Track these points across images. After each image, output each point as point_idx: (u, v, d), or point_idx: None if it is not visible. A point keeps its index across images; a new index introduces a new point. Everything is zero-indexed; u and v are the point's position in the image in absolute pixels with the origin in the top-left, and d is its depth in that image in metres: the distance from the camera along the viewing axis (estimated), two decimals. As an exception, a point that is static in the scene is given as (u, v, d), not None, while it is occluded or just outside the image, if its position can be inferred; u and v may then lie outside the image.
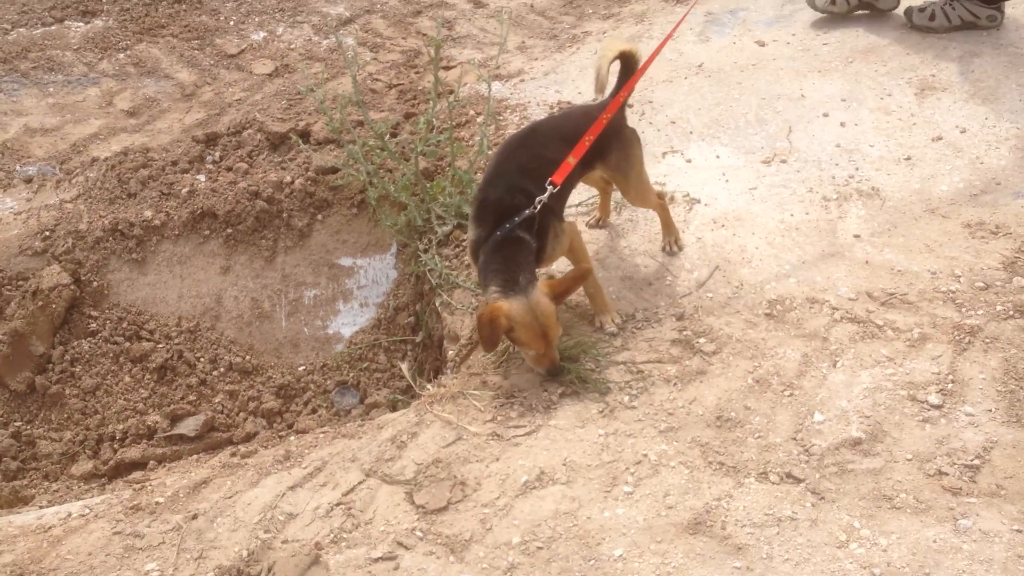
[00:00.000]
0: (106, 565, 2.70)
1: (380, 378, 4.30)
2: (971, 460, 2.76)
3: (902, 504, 2.65)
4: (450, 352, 3.55)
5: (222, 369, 4.28)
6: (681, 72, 4.92)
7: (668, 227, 3.71)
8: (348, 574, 2.60)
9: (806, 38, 5.06)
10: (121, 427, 4.09)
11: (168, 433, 4.06)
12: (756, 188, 4.01)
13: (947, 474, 2.72)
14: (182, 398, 4.19)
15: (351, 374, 4.32)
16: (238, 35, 5.89)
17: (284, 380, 4.29)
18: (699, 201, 3.96)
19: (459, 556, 2.62)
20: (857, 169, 4.06)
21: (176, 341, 4.30)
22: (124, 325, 4.30)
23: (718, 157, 4.23)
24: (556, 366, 3.11)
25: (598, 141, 3.22)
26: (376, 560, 2.63)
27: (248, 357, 4.34)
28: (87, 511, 3.00)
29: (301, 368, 4.38)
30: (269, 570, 2.60)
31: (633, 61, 3.38)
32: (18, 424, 4.10)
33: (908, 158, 4.10)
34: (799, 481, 2.74)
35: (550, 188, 3.06)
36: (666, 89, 4.82)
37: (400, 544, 2.67)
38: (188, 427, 4.07)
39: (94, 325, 4.29)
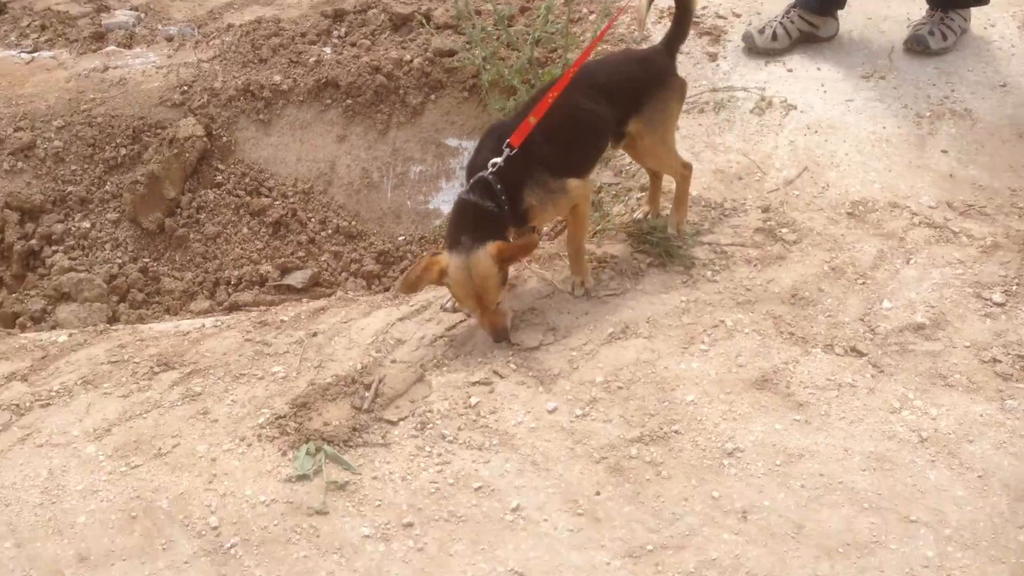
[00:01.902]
0: (239, 363, 3.09)
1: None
2: (1025, 353, 2.98)
3: (955, 383, 2.89)
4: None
5: (330, 231, 4.64)
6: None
7: (680, 204, 3.46)
8: (449, 392, 2.94)
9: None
10: (236, 273, 4.48)
11: (278, 283, 4.43)
12: (852, 100, 4.18)
13: (1000, 362, 2.95)
14: (292, 253, 4.56)
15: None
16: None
17: (384, 247, 4.63)
18: (795, 107, 4.14)
19: (547, 387, 2.94)
20: (953, 91, 4.20)
21: (291, 200, 4.66)
22: (246, 180, 4.67)
23: (819, 69, 4.39)
24: (497, 330, 3.01)
25: (638, 91, 3.16)
26: (474, 383, 2.97)
27: (354, 222, 4.68)
28: (219, 323, 3.40)
29: (401, 238, 4.71)
30: (380, 381, 2.96)
31: (687, 4, 3.27)
32: (146, 260, 4.52)
33: (1004, 85, 4.22)
34: (862, 355, 3.00)
35: (507, 150, 2.94)
36: (775, 2, 4.96)
37: (496, 373, 3.00)
38: (296, 279, 4.45)
39: (220, 177, 4.67)
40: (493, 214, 2.95)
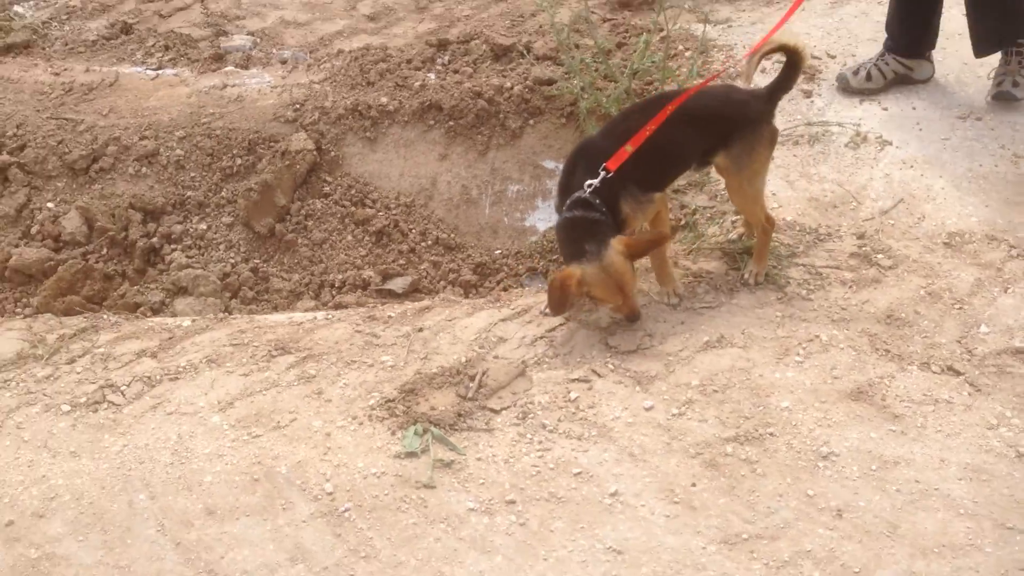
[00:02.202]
0: (351, 351, 3.27)
1: (566, 271, 4.76)
2: None
3: (1052, 406, 2.93)
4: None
5: (430, 242, 4.83)
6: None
7: (760, 256, 3.51)
8: (549, 387, 3.07)
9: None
10: (340, 276, 4.68)
11: (380, 287, 4.62)
12: (949, 139, 4.25)
13: (1101, 385, 2.98)
14: (393, 260, 4.75)
15: (541, 263, 4.80)
16: (469, -39, 6.42)
17: (481, 259, 4.80)
18: (891, 143, 4.23)
19: (644, 387, 3.06)
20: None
21: (394, 212, 4.87)
22: (352, 192, 4.90)
23: (914, 108, 4.47)
24: (635, 313, 3.23)
25: (727, 127, 3.28)
26: (573, 380, 3.10)
27: (453, 235, 4.87)
28: (330, 316, 3.58)
29: (497, 252, 4.88)
30: (484, 373, 3.10)
31: (797, 56, 3.28)
32: (257, 261, 4.75)
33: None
34: (959, 374, 3.05)
35: (603, 173, 3.13)
36: (869, 46, 5.07)
37: (594, 372, 3.13)
38: (397, 284, 4.63)
39: (327, 188, 4.90)
40: (603, 223, 3.13)
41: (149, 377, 3.15)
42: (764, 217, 3.45)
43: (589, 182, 3.13)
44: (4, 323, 3.54)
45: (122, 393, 3.08)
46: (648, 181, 3.27)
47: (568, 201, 3.17)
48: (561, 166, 4.88)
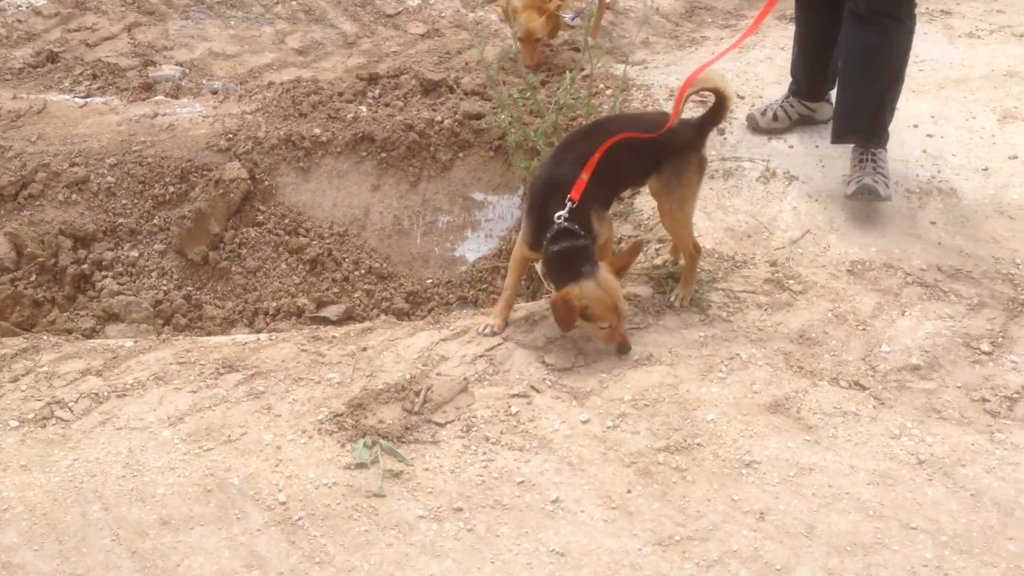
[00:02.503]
0: (298, 369, 3.38)
1: (495, 299, 4.94)
2: (1011, 394, 3.32)
3: (948, 416, 3.22)
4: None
5: (363, 271, 4.96)
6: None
7: (687, 281, 3.74)
8: (490, 402, 3.24)
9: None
10: (275, 304, 4.78)
11: (314, 315, 4.73)
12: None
13: (989, 401, 3.29)
14: (327, 288, 4.87)
15: (471, 292, 4.98)
16: (396, -1, 6.64)
17: (413, 288, 4.96)
18: (797, 178, 4.55)
19: (580, 402, 3.25)
20: (939, 171, 4.63)
21: (327, 241, 4.99)
22: (286, 221, 5.01)
23: (817, 146, 4.81)
24: (626, 344, 3.42)
25: (656, 153, 3.49)
26: (513, 396, 3.27)
27: (385, 264, 5.02)
28: (274, 337, 3.68)
29: (428, 281, 5.04)
30: (428, 389, 3.25)
31: (723, 97, 3.48)
32: (190, 288, 4.81)
33: (985, 169, 4.66)
34: (864, 389, 3.33)
35: (569, 204, 3.33)
36: (774, 88, 5.44)
37: (533, 388, 3.30)
38: (331, 312, 4.75)
39: (261, 217, 5.00)
40: (589, 247, 3.35)
41: (96, 394, 3.20)
42: (692, 244, 3.66)
43: (559, 213, 3.32)
44: (-60, 344, 3.53)
45: (70, 409, 3.12)
46: (603, 199, 3.53)
47: (549, 235, 3.33)
48: (489, 198, 5.13)
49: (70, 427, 3.06)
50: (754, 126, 4.88)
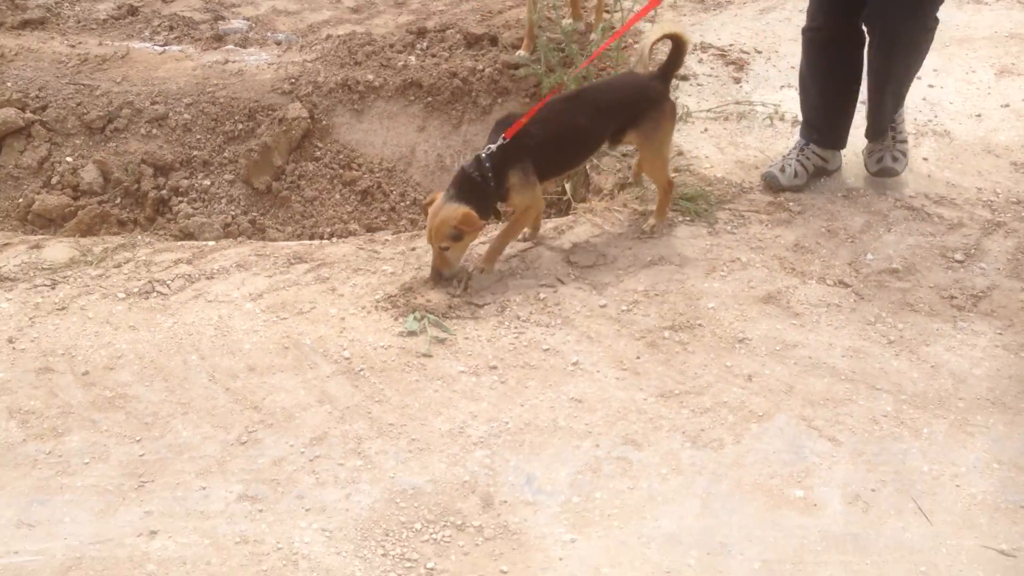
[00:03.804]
0: (357, 261, 3.94)
1: (528, 230, 5.47)
2: (977, 293, 3.81)
3: (919, 309, 3.72)
4: (605, 184, 4.70)
5: (408, 202, 5.51)
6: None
7: (660, 211, 4.11)
8: (522, 290, 3.77)
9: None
10: (329, 229, 5.34)
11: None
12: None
13: (956, 298, 3.78)
14: (376, 217, 5.43)
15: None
16: (442, -36, 7.17)
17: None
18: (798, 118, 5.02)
19: (599, 291, 3.78)
20: (935, 116, 5.10)
21: (377, 175, 5.55)
22: (340, 156, 5.57)
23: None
24: (434, 270, 3.72)
25: (633, 110, 3.83)
26: (541, 286, 3.81)
27: (428, 197, 5.55)
28: (334, 241, 4.25)
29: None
30: (469, 278, 3.80)
31: (680, 41, 3.83)
32: (255, 214, 5.39)
33: (978, 115, 5.12)
34: (847, 286, 3.83)
35: (500, 140, 3.61)
36: (790, 45, 5.91)
37: (559, 280, 3.84)
38: (380, 237, 5.30)
39: (318, 152, 5.56)
40: (478, 183, 3.63)
41: (188, 276, 3.78)
42: (667, 180, 4.06)
43: (489, 146, 3.65)
44: (51, 239, 4.13)
45: (167, 286, 3.71)
46: (548, 163, 3.78)
47: (471, 158, 3.69)
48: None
49: (168, 299, 3.64)
50: (775, 185, 4.48)
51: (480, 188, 3.65)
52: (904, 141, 4.51)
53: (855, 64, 4.27)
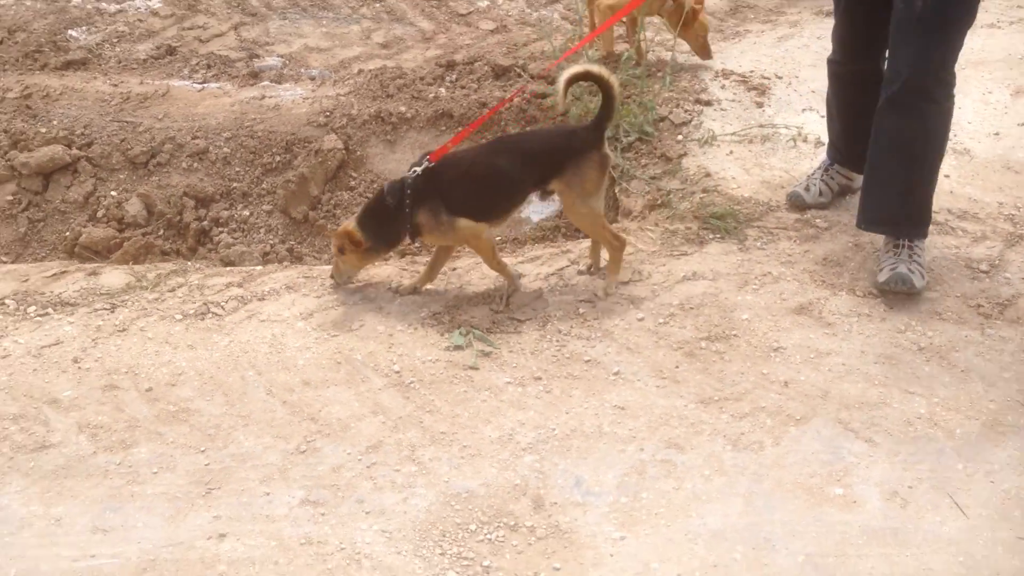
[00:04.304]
0: (400, 281, 4.08)
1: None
2: (1003, 301, 3.92)
3: (947, 318, 3.83)
4: (634, 206, 4.85)
5: (442, 229, 5.67)
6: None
7: (612, 270, 3.96)
8: (562, 305, 3.91)
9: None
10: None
11: (401, 264, 5.43)
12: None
13: (983, 306, 3.89)
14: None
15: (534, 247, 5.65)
16: (467, 0, 7.41)
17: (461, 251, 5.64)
18: (825, 143, 5.18)
19: (636, 306, 3.91)
20: (955, 135, 5.22)
21: (411, 203, 5.71)
22: (374, 185, 5.73)
23: (846, 116, 5.43)
24: (332, 271, 3.99)
25: (556, 158, 3.75)
26: (580, 301, 3.94)
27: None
28: (378, 264, 4.40)
29: (498, 238, 5.74)
30: (510, 295, 3.94)
31: (606, 85, 3.67)
32: (292, 242, 5.56)
33: (997, 133, 5.25)
34: (877, 297, 3.95)
35: (425, 163, 3.71)
36: (810, 71, 6.08)
37: (596, 296, 3.97)
38: (416, 261, 5.45)
39: (353, 182, 5.74)
40: (387, 208, 3.74)
41: (241, 298, 3.94)
42: (611, 235, 3.88)
43: (414, 168, 3.73)
44: (107, 267, 4.30)
45: (221, 307, 3.87)
46: (462, 205, 3.74)
47: (392, 182, 3.78)
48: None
49: (223, 320, 3.80)
50: (800, 203, 4.60)
51: (387, 213, 3.75)
52: (922, 264, 4.02)
53: (877, 96, 4.03)
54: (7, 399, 3.31)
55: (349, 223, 3.84)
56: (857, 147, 4.35)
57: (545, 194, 3.93)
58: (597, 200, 3.82)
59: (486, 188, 3.79)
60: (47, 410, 3.28)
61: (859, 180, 4.50)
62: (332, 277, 4.00)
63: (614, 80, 3.66)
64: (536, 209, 5.77)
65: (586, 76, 3.67)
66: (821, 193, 4.60)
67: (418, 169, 3.70)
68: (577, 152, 3.76)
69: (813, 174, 4.68)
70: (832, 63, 4.41)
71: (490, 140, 4.07)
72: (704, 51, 6.06)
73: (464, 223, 3.74)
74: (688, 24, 5.90)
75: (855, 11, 4.15)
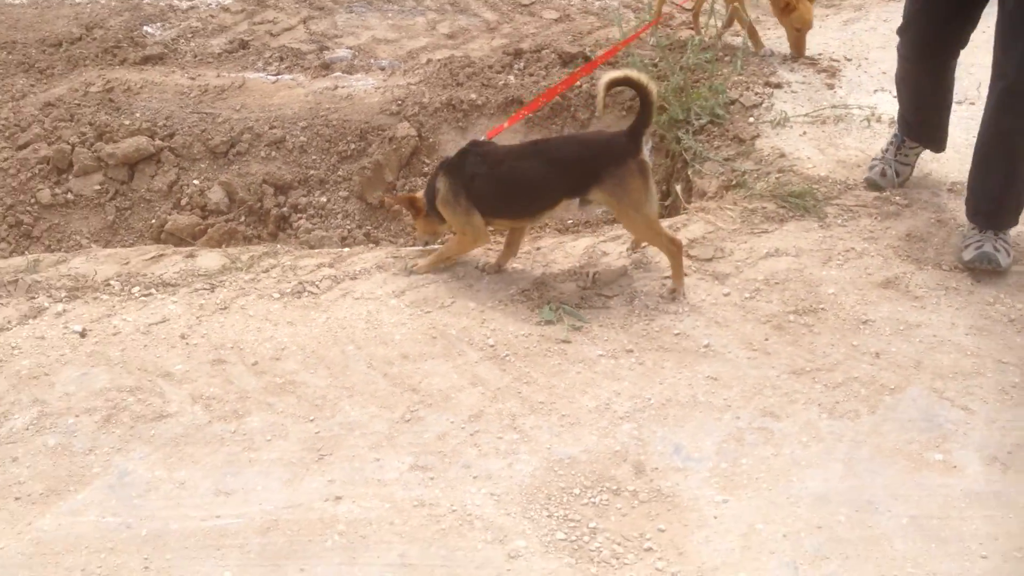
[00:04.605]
0: (486, 260, 4.17)
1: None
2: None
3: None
4: (708, 187, 4.90)
5: (514, 213, 5.75)
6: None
7: (676, 275, 3.85)
8: (647, 282, 3.97)
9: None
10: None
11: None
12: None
13: None
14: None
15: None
16: (529, -10, 7.49)
17: (557, 227, 5.73)
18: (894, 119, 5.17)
19: (721, 281, 3.96)
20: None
21: (484, 188, 5.80)
22: (448, 172, 5.84)
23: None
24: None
25: (591, 166, 3.67)
26: (665, 278, 4.00)
27: (533, 208, 5.80)
28: (461, 245, 4.49)
29: (569, 220, 5.81)
30: (596, 271, 4.01)
31: (644, 92, 3.58)
32: (368, 227, 5.67)
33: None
34: (962, 272, 3.96)
35: (468, 145, 3.93)
36: (879, 52, 6.08)
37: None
38: (490, 246, 5.54)
39: (426, 168, 5.84)
40: (432, 185, 4.00)
41: (334, 277, 4.05)
42: (667, 239, 3.78)
43: (461, 151, 3.95)
44: (201, 250, 4.44)
45: (316, 286, 3.98)
46: (488, 204, 3.86)
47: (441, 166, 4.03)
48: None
49: (319, 298, 3.91)
50: (878, 189, 4.58)
51: (432, 181, 3.98)
52: (1008, 244, 4.04)
53: (949, 81, 4.33)
54: (123, 372, 3.44)
55: (417, 192, 4.09)
56: (932, 128, 4.48)
57: (584, 202, 3.84)
58: (649, 207, 3.73)
59: (506, 190, 3.83)
60: (161, 382, 3.41)
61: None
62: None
63: (652, 86, 3.57)
64: (606, 193, 5.81)
65: (625, 82, 3.59)
66: (898, 174, 4.60)
67: (451, 156, 3.90)
68: (614, 161, 3.67)
69: (887, 152, 4.65)
70: (904, 60, 4.35)
71: (527, 142, 4.12)
72: (796, 46, 5.96)
73: (475, 220, 3.89)
74: (785, 11, 5.80)
75: (935, 11, 4.05)
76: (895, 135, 4.67)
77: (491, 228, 4.05)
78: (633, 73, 3.58)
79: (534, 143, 4.16)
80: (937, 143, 4.60)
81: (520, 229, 4.12)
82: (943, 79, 4.32)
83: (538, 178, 3.76)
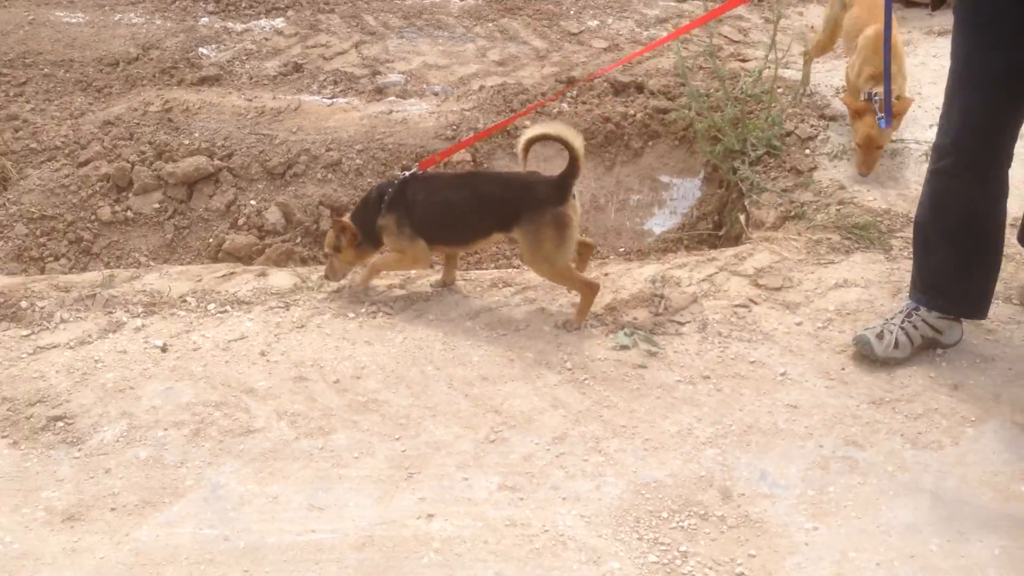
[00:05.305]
0: (556, 287, 4.21)
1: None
2: None
3: (1108, 325, 3.85)
4: (766, 218, 4.93)
5: (567, 240, 5.80)
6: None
7: (580, 310, 3.85)
8: (718, 309, 4.01)
9: None
10: (494, 265, 5.65)
11: (529, 273, 5.57)
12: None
13: None
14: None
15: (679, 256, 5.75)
16: (577, 21, 7.58)
17: (623, 253, 5.77)
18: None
19: (792, 311, 3.99)
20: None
21: (537, 214, 5.85)
22: (502, 197, 5.89)
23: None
24: (326, 269, 4.15)
25: (512, 207, 3.74)
26: (736, 306, 4.03)
27: (583, 235, 5.83)
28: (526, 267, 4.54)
29: (621, 249, 5.85)
30: (667, 298, 4.04)
31: (568, 146, 3.67)
32: (424, 251, 5.72)
33: None
34: None
35: (407, 174, 3.98)
36: (931, 88, 6.13)
37: (751, 300, 4.06)
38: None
39: (481, 194, 5.90)
40: (369, 205, 4.04)
41: (406, 298, 4.09)
42: (581, 282, 3.83)
43: (398, 175, 4.05)
44: (272, 269, 4.49)
45: (390, 307, 4.02)
46: (424, 229, 3.93)
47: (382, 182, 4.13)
48: (674, 180, 5.93)
49: (394, 318, 3.95)
50: (869, 354, 3.64)
51: (370, 211, 3.97)
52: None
53: (999, 212, 3.59)
54: (207, 388, 3.48)
55: (344, 218, 4.00)
56: (970, 284, 3.56)
57: (511, 240, 3.94)
58: (559, 257, 3.74)
59: (437, 217, 3.92)
60: (245, 398, 3.44)
61: (950, 332, 3.67)
62: (326, 277, 4.12)
63: (578, 141, 3.62)
64: (658, 222, 5.88)
65: (545, 137, 3.67)
66: (898, 344, 3.61)
67: (406, 174, 3.95)
68: (532, 206, 3.71)
69: (892, 318, 3.69)
70: (940, 173, 3.49)
71: (467, 172, 4.36)
72: (862, 163, 5.02)
73: (419, 244, 3.95)
74: (853, 116, 5.01)
75: (999, 91, 3.24)
76: (907, 303, 3.75)
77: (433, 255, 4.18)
78: (550, 129, 3.65)
79: (472, 174, 4.36)
80: (974, 310, 3.68)
81: (587, 247, 4.20)
82: (997, 207, 3.57)
83: (466, 211, 3.88)
